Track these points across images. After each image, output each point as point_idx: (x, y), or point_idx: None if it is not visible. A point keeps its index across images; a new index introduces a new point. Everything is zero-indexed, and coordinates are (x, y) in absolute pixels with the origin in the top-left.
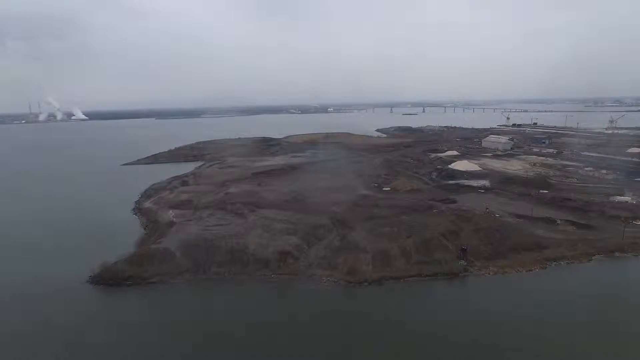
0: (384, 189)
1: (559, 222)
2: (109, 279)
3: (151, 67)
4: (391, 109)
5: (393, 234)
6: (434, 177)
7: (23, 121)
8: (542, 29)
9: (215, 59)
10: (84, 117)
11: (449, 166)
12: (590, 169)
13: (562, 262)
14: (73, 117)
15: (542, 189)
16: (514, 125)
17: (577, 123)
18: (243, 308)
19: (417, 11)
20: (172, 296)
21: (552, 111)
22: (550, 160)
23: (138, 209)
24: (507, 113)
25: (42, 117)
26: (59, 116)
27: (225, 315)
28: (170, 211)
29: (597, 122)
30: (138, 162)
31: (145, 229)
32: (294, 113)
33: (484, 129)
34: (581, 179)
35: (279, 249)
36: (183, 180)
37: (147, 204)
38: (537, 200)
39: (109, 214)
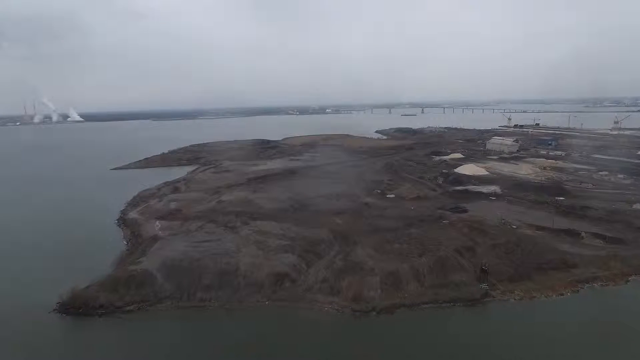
0: (387, 195)
1: (583, 234)
2: (78, 307)
3: (150, 68)
4: (390, 110)
5: (403, 251)
6: (440, 182)
7: (18, 123)
8: (541, 29)
9: (214, 59)
10: (79, 118)
11: (455, 170)
12: (605, 172)
13: (595, 284)
14: (68, 119)
15: (558, 196)
16: (516, 126)
17: (582, 124)
18: (232, 343)
19: (417, 11)
20: (149, 328)
21: (552, 111)
22: (560, 163)
23: (122, 220)
24: (509, 114)
25: (37, 119)
26: (55, 118)
27: (211, 350)
28: (157, 223)
29: (599, 122)
30: (129, 166)
31: (127, 244)
32: (292, 114)
33: (486, 130)
34: (597, 184)
35: (274, 270)
36: (174, 187)
37: (133, 214)
38: (554, 208)
39: (90, 226)
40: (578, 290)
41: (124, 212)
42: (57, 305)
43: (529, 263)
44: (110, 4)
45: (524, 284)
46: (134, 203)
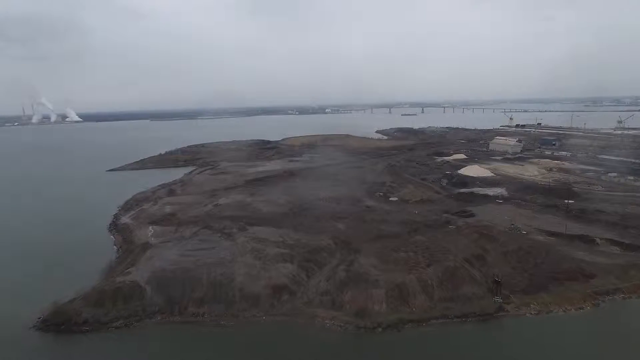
0: (390, 199)
1: (598, 241)
2: (60, 324)
3: (150, 68)
4: (390, 110)
5: (409, 261)
6: (444, 184)
7: (16, 123)
8: (541, 29)
9: (214, 59)
10: (78, 118)
11: (459, 171)
12: (615, 174)
13: (616, 297)
14: (67, 119)
15: (567, 199)
16: (517, 125)
17: (585, 123)
18: None
19: (416, 11)
20: (136, 346)
21: (552, 111)
22: (566, 164)
23: (114, 225)
24: (510, 113)
25: (35, 119)
26: (53, 118)
27: None
28: (150, 228)
29: (602, 122)
30: (125, 167)
31: (118, 251)
32: (291, 114)
33: (488, 129)
34: (607, 187)
35: (272, 282)
36: (170, 189)
37: (125, 219)
38: (564, 212)
39: (81, 231)
40: (598, 304)
41: (116, 217)
42: (38, 321)
43: (543, 273)
44: (110, 4)
45: (539, 297)
46: (127, 207)
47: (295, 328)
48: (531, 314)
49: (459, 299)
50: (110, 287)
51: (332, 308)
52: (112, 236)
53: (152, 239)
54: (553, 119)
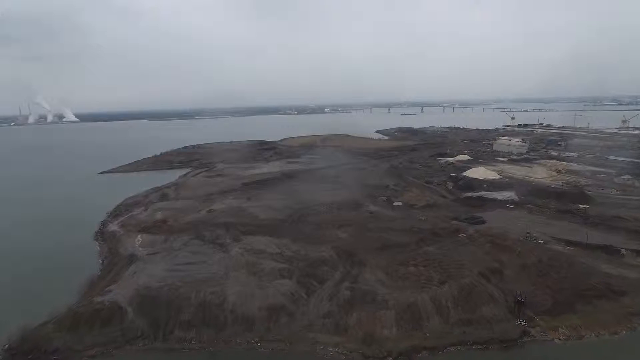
0: (394, 203)
1: (623, 252)
2: (28, 352)
3: (149, 68)
4: (389, 109)
5: (420, 276)
6: (450, 187)
7: (12, 123)
8: (541, 28)
9: (214, 59)
10: (74, 118)
11: (464, 174)
12: (628, 176)
13: None
14: (64, 119)
15: (581, 203)
16: (519, 125)
17: (588, 123)
18: None
19: (416, 11)
20: None
21: (552, 110)
22: (575, 166)
23: (101, 233)
24: (512, 113)
25: (31, 119)
26: (50, 118)
27: None
28: (138, 237)
29: (605, 121)
30: (118, 169)
31: (102, 263)
32: (290, 114)
33: (489, 129)
34: (621, 190)
35: (267, 302)
36: (162, 193)
37: (113, 226)
38: (581, 219)
39: (64, 240)
40: (635, 327)
41: (104, 224)
42: (4, 349)
43: (568, 289)
44: (110, 4)
45: (567, 319)
46: (116, 212)
47: (294, 356)
48: (560, 339)
49: (477, 322)
50: (86, 309)
51: (335, 333)
52: (97, 246)
53: (140, 249)
54: (554, 119)
